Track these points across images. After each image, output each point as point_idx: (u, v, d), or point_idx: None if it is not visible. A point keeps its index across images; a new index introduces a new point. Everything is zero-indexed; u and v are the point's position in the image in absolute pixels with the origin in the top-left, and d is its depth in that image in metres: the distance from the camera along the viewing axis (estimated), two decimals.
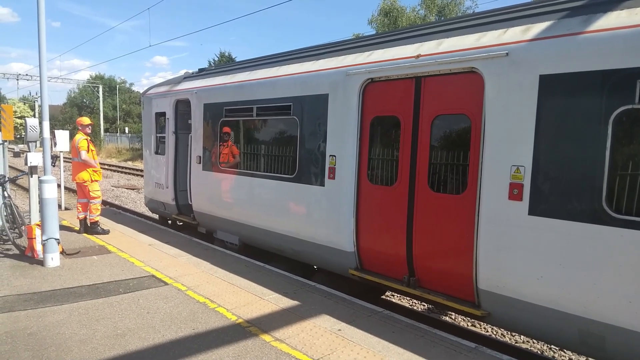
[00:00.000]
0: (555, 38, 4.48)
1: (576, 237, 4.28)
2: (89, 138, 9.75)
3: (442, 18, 29.85)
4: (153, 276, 7.03)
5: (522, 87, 4.61)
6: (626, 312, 4.03)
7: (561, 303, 4.41)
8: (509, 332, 7.43)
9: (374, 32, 30.14)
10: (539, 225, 4.50)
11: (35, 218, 8.59)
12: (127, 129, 56.72)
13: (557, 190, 4.41)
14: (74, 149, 9.56)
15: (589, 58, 4.21)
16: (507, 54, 4.75)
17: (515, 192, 4.65)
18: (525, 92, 4.58)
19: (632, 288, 3.98)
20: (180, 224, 11.36)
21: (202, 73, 10.43)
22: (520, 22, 5.00)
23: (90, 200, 9.52)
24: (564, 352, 6.85)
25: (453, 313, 7.96)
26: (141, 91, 13.56)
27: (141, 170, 29.64)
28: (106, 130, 59.71)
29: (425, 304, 8.39)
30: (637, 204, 4.00)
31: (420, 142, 5.66)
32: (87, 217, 9.66)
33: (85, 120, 10.01)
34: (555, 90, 4.41)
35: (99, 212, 9.77)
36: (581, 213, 4.26)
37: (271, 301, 6.09)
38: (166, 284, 6.70)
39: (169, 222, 11.85)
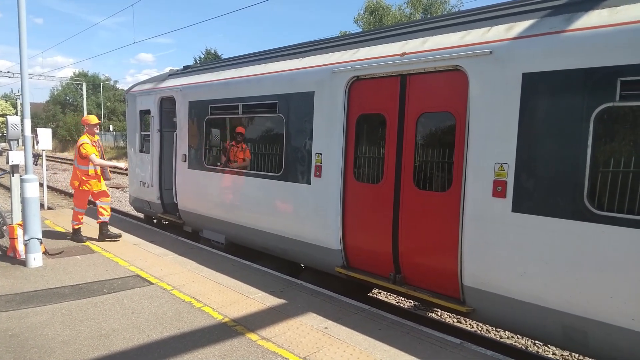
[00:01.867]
0: (538, 36, 4.53)
1: (559, 233, 4.34)
2: (97, 140, 8.91)
3: (428, 16, 29.99)
4: (138, 276, 6.95)
5: (506, 85, 4.65)
6: (607, 308, 4.10)
7: (545, 299, 4.47)
8: (493, 328, 7.52)
9: (360, 30, 30.19)
10: (523, 222, 4.55)
11: (17, 218, 8.44)
12: (111, 127, 56.09)
13: (540, 188, 4.47)
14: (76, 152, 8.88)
15: (571, 56, 4.27)
16: (490, 52, 4.79)
17: (499, 189, 4.69)
18: (508, 90, 4.62)
19: (613, 283, 4.05)
20: (165, 222, 11.26)
21: (187, 70, 10.33)
22: (503, 20, 5.04)
23: (74, 207, 8.95)
24: (548, 347, 6.95)
25: (439, 310, 8.02)
26: (126, 89, 13.39)
27: (126, 169, 29.30)
28: None
29: (411, 301, 8.44)
30: (618, 200, 4.06)
31: (405, 139, 5.68)
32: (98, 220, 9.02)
33: (93, 119, 8.98)
34: (538, 88, 4.45)
35: (76, 221, 8.94)
36: (563, 210, 4.31)
37: (257, 300, 6.07)
38: (151, 283, 6.63)
39: (154, 221, 11.73)
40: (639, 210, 3.94)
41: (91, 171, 8.70)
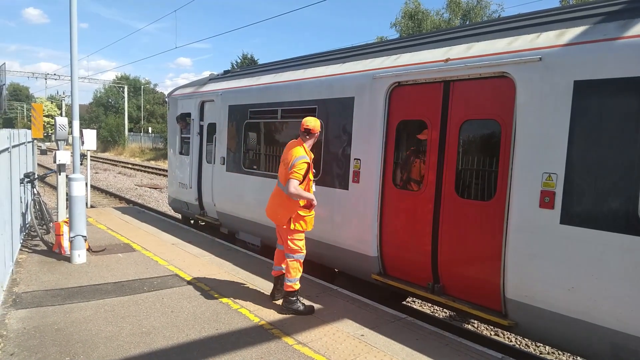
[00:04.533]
0: (591, 43, 4.37)
1: (610, 247, 4.16)
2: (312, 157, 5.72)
3: (467, 22, 29.56)
4: (177, 275, 7.09)
5: (556, 93, 4.50)
6: None
7: (593, 315, 4.29)
8: (532, 342, 7.28)
9: (397, 36, 30.03)
10: (571, 234, 4.39)
11: (62, 215, 8.76)
12: (150, 129, 57.67)
13: (591, 200, 4.30)
14: (283, 168, 5.72)
15: (626, 64, 4.10)
16: (540, 58, 4.65)
17: (546, 200, 4.54)
18: (559, 97, 4.48)
19: None
20: (202, 223, 11.45)
21: (227, 75, 10.51)
22: (553, 26, 4.90)
23: (287, 254, 5.77)
24: None
25: (475, 321, 7.83)
26: (165, 92, 13.66)
27: (163, 170, 30.05)
28: (130, 130, 60.80)
29: (446, 311, 8.28)
30: None
31: (447, 147, 5.59)
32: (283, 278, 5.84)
33: (314, 122, 5.70)
34: (591, 97, 4.29)
35: (298, 276, 5.73)
36: (615, 223, 4.13)
37: None
38: (189, 283, 6.74)
39: (192, 221, 11.96)
40: None
41: (302, 201, 5.62)
